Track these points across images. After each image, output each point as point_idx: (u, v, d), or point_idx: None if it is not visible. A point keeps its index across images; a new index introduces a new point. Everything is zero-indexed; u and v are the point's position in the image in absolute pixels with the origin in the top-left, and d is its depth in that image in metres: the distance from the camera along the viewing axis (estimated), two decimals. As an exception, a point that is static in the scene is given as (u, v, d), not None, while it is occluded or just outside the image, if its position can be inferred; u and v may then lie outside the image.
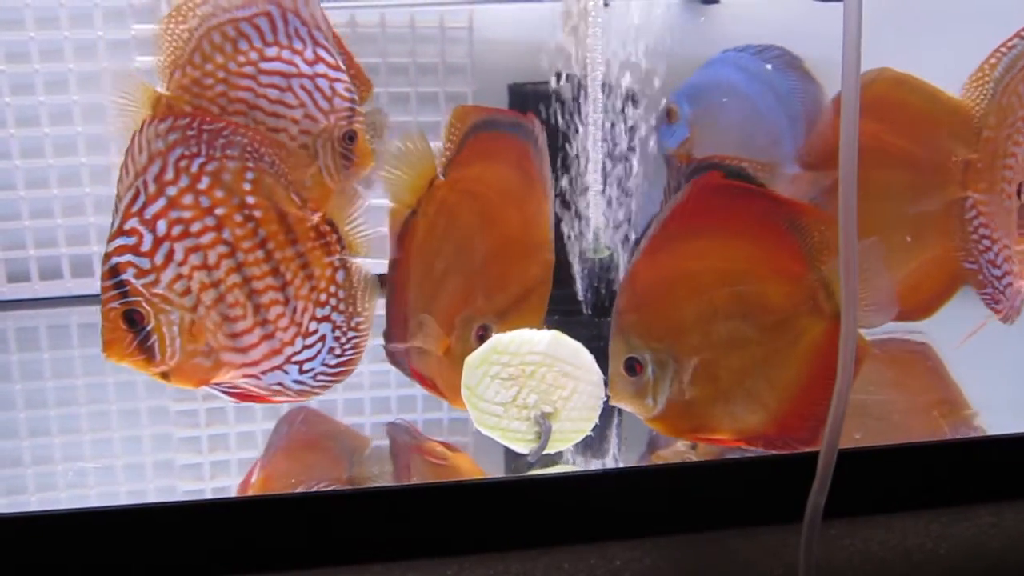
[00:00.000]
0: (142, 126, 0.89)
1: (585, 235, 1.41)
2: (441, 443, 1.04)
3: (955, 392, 1.21)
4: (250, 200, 0.92)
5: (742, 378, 0.90)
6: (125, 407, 1.20)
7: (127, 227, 0.88)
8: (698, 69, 1.41)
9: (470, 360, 0.96)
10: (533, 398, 0.96)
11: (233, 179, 0.91)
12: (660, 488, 0.88)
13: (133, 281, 0.88)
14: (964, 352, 1.16)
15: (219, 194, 0.91)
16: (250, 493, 0.94)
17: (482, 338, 0.99)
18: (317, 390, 0.99)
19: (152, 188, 0.89)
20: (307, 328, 0.96)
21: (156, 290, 0.88)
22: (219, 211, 0.90)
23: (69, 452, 1.06)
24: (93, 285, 1.58)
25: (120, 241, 0.88)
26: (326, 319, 0.98)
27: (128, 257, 0.88)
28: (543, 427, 0.96)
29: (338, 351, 0.99)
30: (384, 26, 1.62)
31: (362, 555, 0.82)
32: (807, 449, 0.89)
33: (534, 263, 1.05)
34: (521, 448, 0.97)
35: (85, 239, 1.59)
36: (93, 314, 1.52)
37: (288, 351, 0.96)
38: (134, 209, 0.88)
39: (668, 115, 1.40)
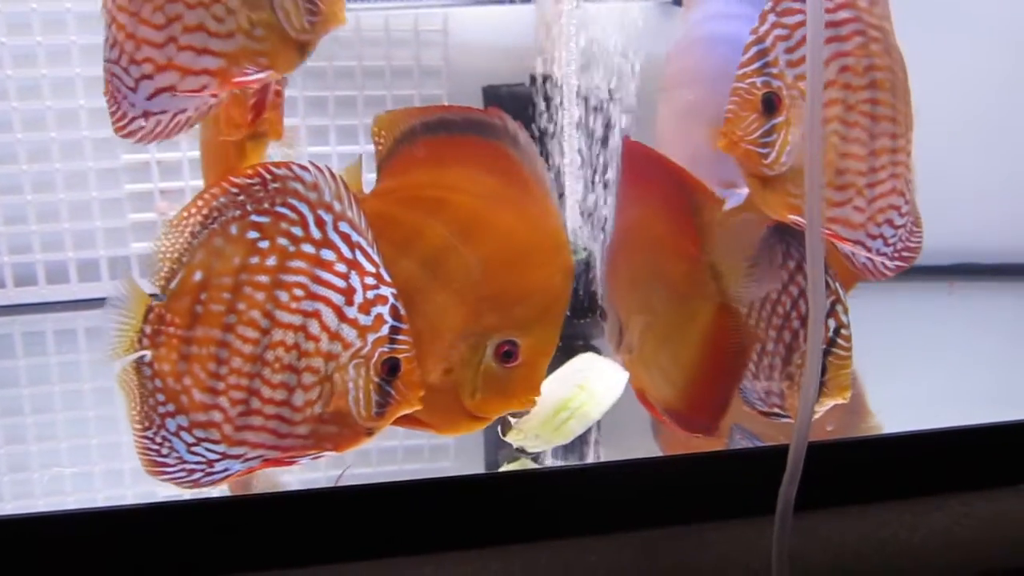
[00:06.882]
0: None
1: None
2: None
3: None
4: None
5: (656, 347, 0.91)
6: (103, 413, 1.19)
7: None
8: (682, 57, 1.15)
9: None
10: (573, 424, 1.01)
11: None
12: (636, 483, 0.89)
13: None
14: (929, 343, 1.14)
15: None
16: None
17: (508, 354, 0.87)
18: None
19: None
20: None
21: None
22: None
23: (46, 459, 1.06)
24: (68, 291, 1.60)
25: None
26: None
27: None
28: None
29: None
30: (359, 29, 1.63)
31: (341, 554, 0.82)
32: (706, 436, 0.88)
33: (556, 270, 0.91)
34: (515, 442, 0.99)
35: (59, 245, 1.58)
36: (69, 320, 1.54)
37: None
38: None
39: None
